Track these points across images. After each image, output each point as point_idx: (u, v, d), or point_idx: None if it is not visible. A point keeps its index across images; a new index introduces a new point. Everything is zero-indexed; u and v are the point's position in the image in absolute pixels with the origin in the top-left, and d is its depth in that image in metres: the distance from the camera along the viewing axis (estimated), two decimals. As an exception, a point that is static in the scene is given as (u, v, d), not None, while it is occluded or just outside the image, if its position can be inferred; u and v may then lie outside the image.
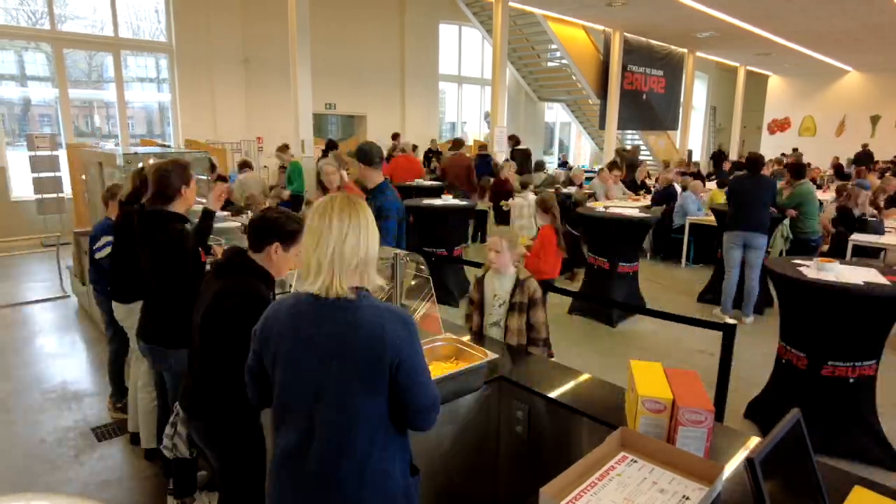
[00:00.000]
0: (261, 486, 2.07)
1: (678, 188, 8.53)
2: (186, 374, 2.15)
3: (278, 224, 2.03)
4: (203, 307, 2.04)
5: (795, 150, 16.53)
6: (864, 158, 10.73)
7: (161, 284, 2.61)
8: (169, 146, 9.59)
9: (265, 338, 1.49)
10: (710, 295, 6.24)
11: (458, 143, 9.60)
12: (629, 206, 6.82)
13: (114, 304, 3.25)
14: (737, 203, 5.53)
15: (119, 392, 3.75)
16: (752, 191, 5.41)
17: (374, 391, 1.40)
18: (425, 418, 1.47)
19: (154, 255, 2.58)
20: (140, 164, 3.52)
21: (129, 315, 3.14)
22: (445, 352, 2.37)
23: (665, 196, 8.46)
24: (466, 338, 2.62)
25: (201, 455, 2.34)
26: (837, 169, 12.97)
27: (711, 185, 9.96)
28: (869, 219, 6.35)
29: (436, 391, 1.49)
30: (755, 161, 5.58)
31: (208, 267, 2.75)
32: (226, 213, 5.06)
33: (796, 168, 6.06)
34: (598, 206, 6.76)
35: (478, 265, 4.38)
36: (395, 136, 11.58)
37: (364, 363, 1.38)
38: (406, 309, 1.52)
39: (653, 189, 9.48)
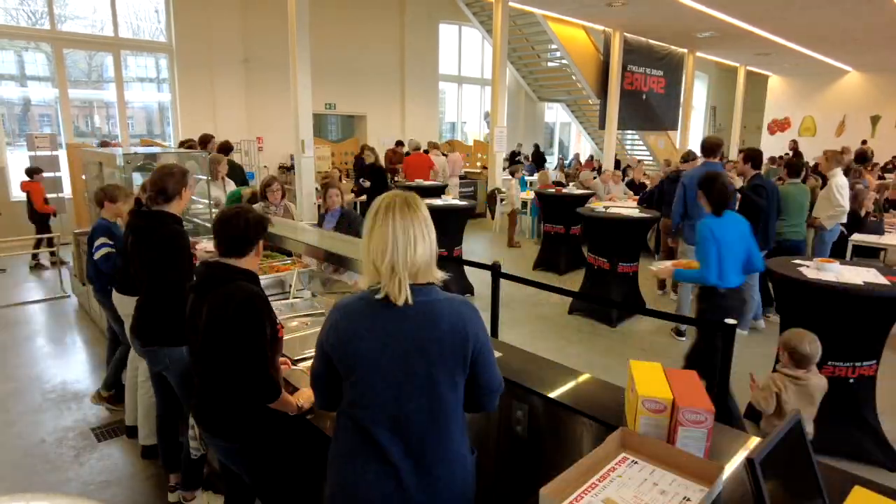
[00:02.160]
0: (296, 487, 2.08)
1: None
2: (196, 392, 2.09)
3: (251, 225, 2.04)
4: (201, 327, 1.96)
5: (795, 143, 16.54)
6: (862, 157, 10.71)
7: (156, 283, 2.61)
8: (169, 146, 9.60)
9: (340, 340, 1.47)
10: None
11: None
12: (629, 206, 6.82)
13: (119, 297, 3.25)
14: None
15: (109, 384, 3.77)
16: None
17: (455, 379, 1.47)
18: (494, 399, 1.59)
19: (151, 254, 2.59)
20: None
21: (122, 303, 3.19)
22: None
23: (651, 196, 8.40)
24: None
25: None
26: (861, 156, 12.86)
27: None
28: (870, 219, 6.34)
29: (501, 379, 1.60)
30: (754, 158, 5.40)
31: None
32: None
33: (793, 167, 5.83)
34: (598, 206, 6.76)
35: (479, 265, 4.38)
36: (399, 144, 11.58)
37: (449, 355, 1.44)
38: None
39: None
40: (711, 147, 5.17)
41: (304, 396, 2.10)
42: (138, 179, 4.27)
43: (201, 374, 2.05)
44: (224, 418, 2.00)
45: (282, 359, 2.29)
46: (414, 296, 1.43)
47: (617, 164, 11.09)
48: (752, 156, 5.17)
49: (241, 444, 2.02)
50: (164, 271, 2.57)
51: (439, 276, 1.55)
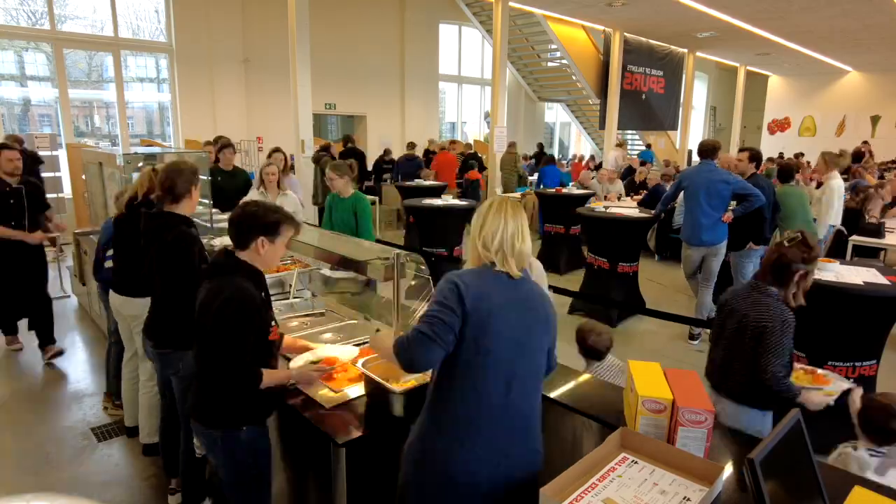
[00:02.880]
0: (265, 497, 2.09)
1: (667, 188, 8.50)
2: (195, 382, 2.12)
3: (258, 217, 2.01)
4: (205, 307, 1.99)
5: (797, 155, 16.51)
6: (858, 156, 10.72)
7: (169, 286, 2.58)
8: (169, 146, 9.61)
9: (478, 295, 1.60)
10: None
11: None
12: (629, 206, 6.82)
13: (112, 294, 3.20)
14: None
15: (118, 390, 3.74)
16: None
17: (547, 345, 1.75)
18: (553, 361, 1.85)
19: (161, 257, 2.56)
20: (155, 165, 3.45)
21: (124, 306, 3.14)
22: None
23: (653, 197, 8.41)
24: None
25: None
26: (858, 156, 12.85)
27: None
28: (869, 220, 6.33)
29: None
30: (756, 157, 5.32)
31: None
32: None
33: (784, 171, 5.75)
34: (598, 206, 6.76)
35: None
36: (411, 146, 11.61)
37: (547, 322, 1.73)
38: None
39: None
40: (707, 149, 5.16)
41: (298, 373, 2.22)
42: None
43: (195, 362, 2.08)
44: (208, 405, 2.02)
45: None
46: (521, 277, 1.69)
47: (630, 170, 11.05)
48: (755, 155, 5.23)
49: (222, 431, 2.01)
50: (176, 274, 2.54)
51: (531, 264, 1.86)
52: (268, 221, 2.01)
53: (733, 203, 4.99)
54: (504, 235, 1.67)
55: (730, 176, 4.99)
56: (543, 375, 1.76)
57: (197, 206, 2.74)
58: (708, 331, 5.14)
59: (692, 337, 5.29)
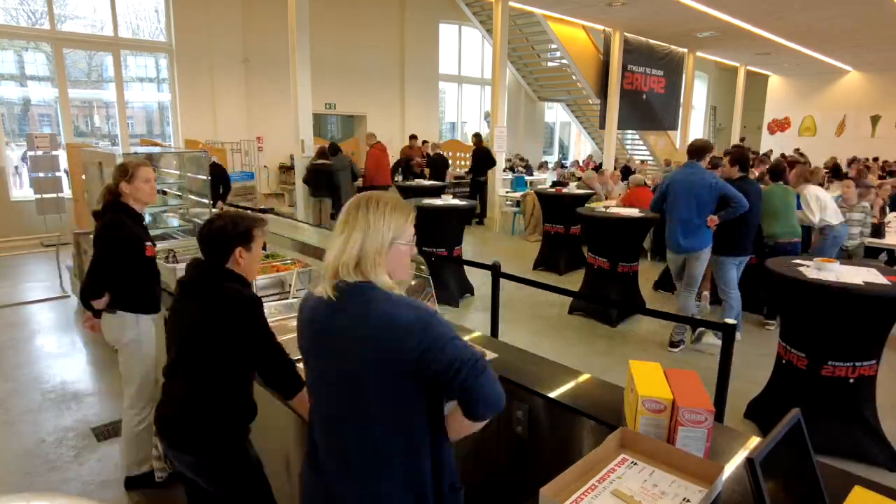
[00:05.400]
0: (267, 493, 2.06)
1: None
2: (162, 404, 1.99)
3: (227, 230, 1.95)
4: (187, 328, 1.92)
5: (797, 150, 16.52)
6: (835, 171, 10.84)
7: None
8: (169, 146, 9.61)
9: (298, 330, 1.52)
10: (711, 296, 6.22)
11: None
12: (629, 207, 6.82)
13: (106, 317, 2.84)
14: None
15: None
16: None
17: (398, 389, 1.37)
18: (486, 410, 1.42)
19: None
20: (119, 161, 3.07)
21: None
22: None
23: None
24: (464, 338, 2.62)
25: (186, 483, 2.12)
26: (834, 169, 12.94)
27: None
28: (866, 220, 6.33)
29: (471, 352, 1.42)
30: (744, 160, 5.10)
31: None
32: None
33: (774, 171, 5.61)
34: (598, 206, 6.76)
35: (479, 265, 4.38)
36: (413, 138, 11.64)
37: (383, 359, 1.35)
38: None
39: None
40: (694, 150, 4.86)
41: None
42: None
43: (173, 386, 1.97)
44: (195, 432, 1.90)
45: None
46: (347, 293, 1.37)
47: (628, 170, 11.10)
48: (738, 158, 4.95)
49: (209, 459, 1.92)
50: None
51: (388, 282, 1.41)
52: (239, 231, 1.96)
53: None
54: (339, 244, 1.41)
55: (714, 179, 4.68)
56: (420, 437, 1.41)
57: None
58: (693, 339, 5.17)
59: (673, 344, 5.04)
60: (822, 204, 5.52)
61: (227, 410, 1.92)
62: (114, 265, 2.73)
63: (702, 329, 5.12)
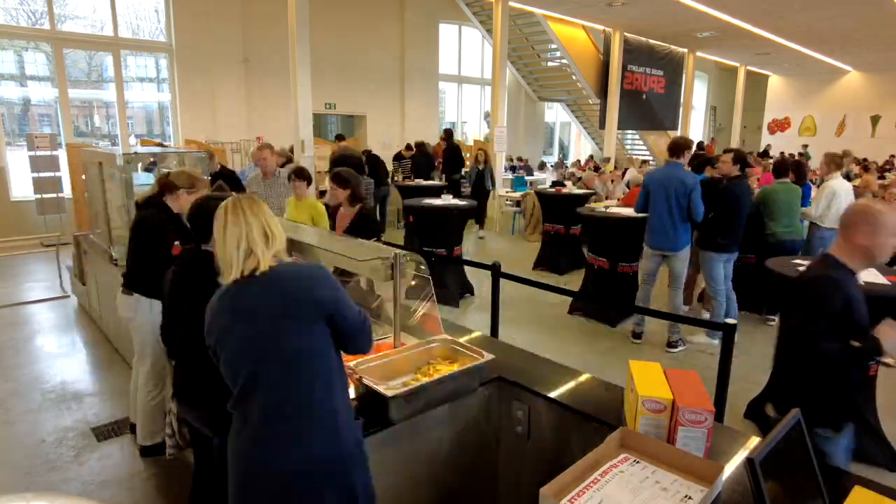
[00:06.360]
0: None
1: None
2: (179, 376, 2.27)
3: (208, 212, 2.12)
4: (187, 306, 2.14)
5: (805, 147, 16.54)
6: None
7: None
8: (169, 146, 9.60)
9: (208, 327, 1.69)
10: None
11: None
12: (629, 207, 6.82)
13: (122, 297, 3.15)
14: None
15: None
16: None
17: (311, 326, 1.63)
18: (362, 339, 1.76)
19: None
20: (165, 170, 3.58)
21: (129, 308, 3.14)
22: (441, 353, 2.37)
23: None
24: (464, 339, 2.62)
25: (194, 443, 2.45)
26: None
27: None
28: None
29: (364, 313, 1.76)
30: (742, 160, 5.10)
31: None
32: None
33: (778, 168, 5.66)
34: (598, 206, 6.76)
35: (479, 265, 4.38)
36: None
37: (295, 305, 1.62)
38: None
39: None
40: (673, 148, 4.82)
41: None
42: (140, 179, 4.27)
43: (186, 358, 2.24)
44: (204, 387, 2.12)
45: None
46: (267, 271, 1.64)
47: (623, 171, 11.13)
48: (739, 158, 4.96)
49: (221, 412, 2.09)
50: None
51: (285, 256, 1.73)
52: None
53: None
54: (248, 234, 1.66)
55: (692, 179, 4.69)
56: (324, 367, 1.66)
57: None
58: (691, 342, 5.16)
59: (670, 345, 5.01)
60: (836, 203, 5.41)
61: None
62: (141, 253, 3.06)
63: (677, 331, 5.08)
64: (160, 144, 9.24)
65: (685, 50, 15.52)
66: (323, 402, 1.61)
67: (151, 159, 4.80)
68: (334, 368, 1.67)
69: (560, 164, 14.21)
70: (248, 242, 1.63)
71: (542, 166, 14.91)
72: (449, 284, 6.17)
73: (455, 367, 2.22)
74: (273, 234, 1.68)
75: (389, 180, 10.58)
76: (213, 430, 2.23)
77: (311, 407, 1.60)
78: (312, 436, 1.58)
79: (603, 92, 13.92)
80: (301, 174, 4.45)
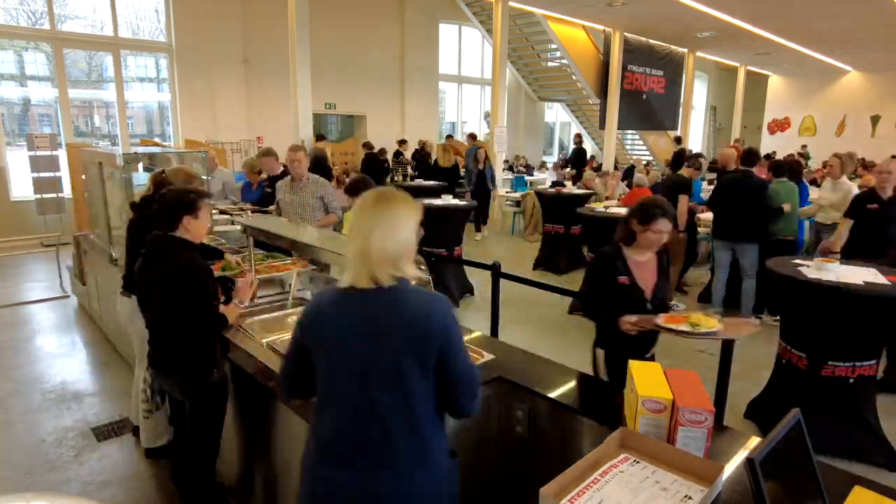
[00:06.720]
0: (222, 424, 2.54)
1: None
2: (151, 341, 2.52)
3: (178, 200, 2.40)
4: (156, 286, 2.37)
5: (804, 147, 16.53)
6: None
7: (172, 316, 2.48)
8: (169, 146, 9.60)
9: (310, 324, 1.53)
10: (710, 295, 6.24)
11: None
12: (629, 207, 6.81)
13: (121, 299, 3.21)
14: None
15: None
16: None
17: (423, 370, 1.43)
18: (469, 394, 1.51)
19: (165, 285, 2.41)
20: (161, 168, 3.59)
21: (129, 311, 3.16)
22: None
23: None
24: (464, 339, 2.62)
25: (171, 410, 2.75)
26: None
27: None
28: None
29: (477, 373, 1.54)
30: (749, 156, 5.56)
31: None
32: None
33: (777, 167, 5.87)
34: (598, 206, 6.76)
35: (479, 265, 4.38)
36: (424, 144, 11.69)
37: (412, 342, 1.42)
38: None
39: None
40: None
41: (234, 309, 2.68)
42: (140, 179, 4.28)
43: (156, 332, 2.49)
44: (175, 357, 2.44)
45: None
46: (381, 285, 1.44)
47: (630, 172, 11.08)
48: (748, 154, 5.55)
49: (193, 377, 2.43)
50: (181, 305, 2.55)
51: (412, 273, 1.52)
52: (187, 201, 2.40)
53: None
54: (365, 235, 1.46)
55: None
56: (434, 412, 1.49)
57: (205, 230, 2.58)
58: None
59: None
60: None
61: (198, 341, 2.42)
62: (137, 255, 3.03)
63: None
64: (158, 144, 9.24)
65: (685, 50, 15.52)
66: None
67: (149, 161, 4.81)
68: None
69: (559, 165, 14.20)
70: (373, 247, 1.43)
71: (542, 166, 14.91)
72: (449, 284, 6.17)
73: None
74: (398, 238, 1.46)
75: (389, 180, 10.58)
76: (185, 395, 2.50)
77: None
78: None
79: (603, 92, 13.91)
80: (359, 188, 4.22)
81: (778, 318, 5.59)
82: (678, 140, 15.03)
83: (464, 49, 14.98)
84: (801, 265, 3.60)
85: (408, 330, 1.42)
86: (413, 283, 1.51)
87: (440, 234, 6.33)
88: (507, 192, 11.09)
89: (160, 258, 2.38)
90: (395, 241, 1.45)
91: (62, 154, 8.51)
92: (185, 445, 2.61)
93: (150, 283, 2.40)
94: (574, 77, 14.45)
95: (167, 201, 2.42)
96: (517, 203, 10.62)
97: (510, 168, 13.39)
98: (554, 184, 9.34)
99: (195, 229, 2.43)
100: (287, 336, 2.47)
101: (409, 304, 1.44)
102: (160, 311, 2.42)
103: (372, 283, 1.43)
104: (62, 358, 4.71)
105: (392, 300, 1.44)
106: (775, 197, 5.53)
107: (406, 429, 1.44)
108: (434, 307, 1.45)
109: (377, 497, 1.45)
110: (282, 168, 5.31)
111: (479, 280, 6.45)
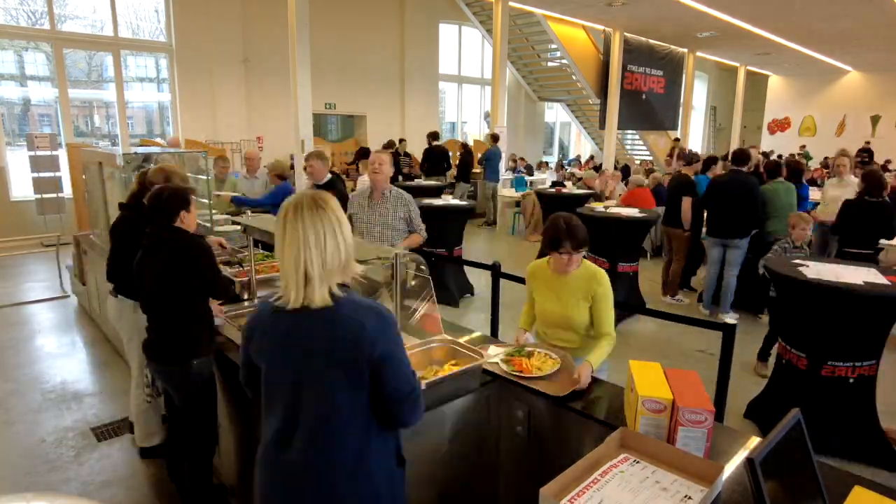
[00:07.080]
0: (214, 420, 2.62)
1: None
2: (147, 330, 2.60)
3: (176, 196, 2.53)
4: (160, 273, 2.47)
5: (802, 147, 16.53)
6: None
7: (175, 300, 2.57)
8: (164, 145, 9.59)
9: (250, 336, 1.56)
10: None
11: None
12: (629, 207, 6.82)
13: (110, 299, 3.26)
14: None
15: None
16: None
17: (354, 386, 1.43)
18: (406, 409, 1.48)
19: (169, 270, 2.53)
20: (143, 168, 3.64)
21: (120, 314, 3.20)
22: (441, 353, 2.37)
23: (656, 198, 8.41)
24: (463, 339, 2.62)
25: (165, 398, 2.87)
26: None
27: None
28: None
29: (414, 381, 1.51)
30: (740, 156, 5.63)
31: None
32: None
33: (772, 168, 5.97)
34: (598, 206, 6.76)
35: (479, 265, 4.38)
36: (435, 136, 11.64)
37: (341, 361, 1.42)
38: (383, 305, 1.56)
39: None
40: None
41: None
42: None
43: (150, 319, 2.58)
44: (168, 347, 2.51)
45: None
46: (315, 307, 1.42)
47: (628, 170, 11.10)
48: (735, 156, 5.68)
49: (182, 367, 2.50)
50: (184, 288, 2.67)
51: (359, 270, 1.53)
52: (182, 196, 2.56)
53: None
54: (308, 258, 1.40)
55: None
56: (366, 424, 1.47)
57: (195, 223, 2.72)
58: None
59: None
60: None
61: (189, 330, 2.51)
62: (128, 256, 3.04)
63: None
64: (159, 144, 9.24)
65: (685, 50, 15.52)
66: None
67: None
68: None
69: (560, 166, 14.21)
70: (305, 263, 1.39)
71: (541, 166, 14.91)
72: (449, 284, 6.16)
73: (455, 367, 2.22)
74: (337, 247, 1.43)
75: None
76: (171, 384, 2.59)
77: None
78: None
79: (603, 92, 13.91)
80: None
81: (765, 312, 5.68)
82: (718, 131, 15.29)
83: (464, 49, 14.98)
84: (801, 265, 3.60)
85: (337, 350, 1.41)
86: (360, 280, 1.54)
87: (440, 234, 6.33)
88: (507, 192, 11.09)
89: (164, 247, 2.48)
90: (349, 244, 1.47)
91: (62, 154, 8.51)
92: (180, 444, 2.67)
93: (154, 268, 2.48)
94: (574, 77, 14.45)
95: (165, 198, 2.52)
96: (517, 203, 10.62)
97: (512, 168, 13.39)
98: (554, 184, 9.34)
99: (189, 221, 2.59)
100: None
101: (340, 323, 1.41)
102: (161, 291, 2.49)
103: (306, 304, 1.41)
104: (62, 358, 4.71)
105: (326, 319, 1.42)
106: (774, 197, 5.57)
107: (336, 440, 1.45)
108: (367, 325, 1.41)
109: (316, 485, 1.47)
110: (329, 175, 4.77)
111: (479, 280, 6.45)
